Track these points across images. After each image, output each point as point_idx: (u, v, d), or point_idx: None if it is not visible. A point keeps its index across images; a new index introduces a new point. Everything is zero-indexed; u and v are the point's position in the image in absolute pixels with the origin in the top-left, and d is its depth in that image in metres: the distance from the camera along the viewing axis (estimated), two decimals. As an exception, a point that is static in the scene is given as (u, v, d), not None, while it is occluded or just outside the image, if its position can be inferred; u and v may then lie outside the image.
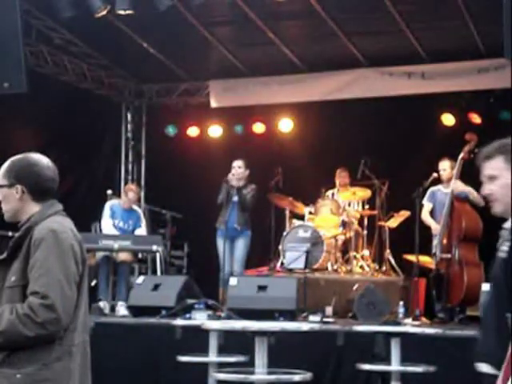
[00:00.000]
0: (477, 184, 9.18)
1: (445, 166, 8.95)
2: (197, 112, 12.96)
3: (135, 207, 10.18)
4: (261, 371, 5.78)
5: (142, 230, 9.90)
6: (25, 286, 3.05)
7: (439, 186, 9.07)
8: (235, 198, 9.44)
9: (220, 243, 9.40)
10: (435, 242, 8.86)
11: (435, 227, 8.86)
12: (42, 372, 3.01)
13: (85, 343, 3.20)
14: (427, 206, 9.08)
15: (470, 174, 8.81)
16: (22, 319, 2.98)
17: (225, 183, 9.42)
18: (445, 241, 8.74)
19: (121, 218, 9.82)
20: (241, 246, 9.39)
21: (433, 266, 8.88)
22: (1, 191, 3.24)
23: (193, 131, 13.27)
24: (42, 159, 3.29)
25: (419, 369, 6.32)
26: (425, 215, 9.04)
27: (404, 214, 10.42)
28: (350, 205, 10.98)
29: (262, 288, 8.33)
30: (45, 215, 3.18)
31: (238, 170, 9.47)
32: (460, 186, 8.74)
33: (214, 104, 12.42)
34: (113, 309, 9.27)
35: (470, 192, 8.66)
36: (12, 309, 3.01)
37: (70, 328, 3.09)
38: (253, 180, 9.66)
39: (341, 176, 11.07)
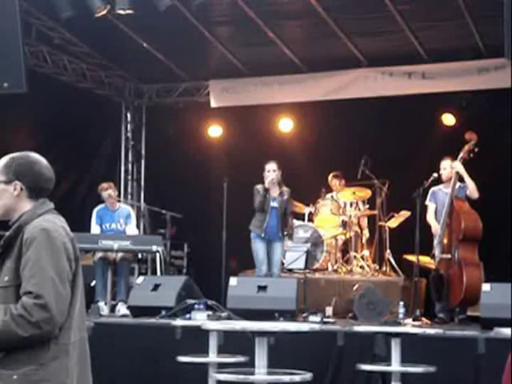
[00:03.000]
0: (475, 181, 9.17)
1: (445, 165, 8.92)
2: (197, 112, 12.95)
3: (123, 205, 10.15)
4: (261, 371, 5.77)
5: (131, 227, 9.81)
6: (18, 286, 3.03)
7: (440, 186, 9.04)
8: (274, 204, 9.26)
9: (258, 247, 9.29)
10: (436, 242, 8.84)
11: (435, 229, 8.83)
12: (38, 372, 2.99)
13: (82, 341, 3.18)
14: (431, 206, 9.04)
15: (470, 174, 8.83)
16: (16, 320, 2.96)
17: (260, 189, 9.29)
18: (445, 241, 8.72)
19: (111, 220, 9.76)
20: (280, 249, 9.30)
21: (433, 267, 8.86)
22: None
23: (193, 131, 13.25)
24: (42, 159, 3.28)
25: (419, 369, 6.31)
26: (429, 216, 9.00)
27: (404, 214, 10.41)
28: (351, 205, 10.98)
29: (262, 288, 8.31)
30: (36, 214, 3.16)
31: (273, 173, 9.27)
32: (461, 168, 8.69)
33: (213, 104, 12.41)
34: (113, 309, 9.25)
35: (468, 183, 8.68)
36: (6, 310, 2.99)
37: (65, 326, 3.07)
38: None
39: (334, 184, 11.16)
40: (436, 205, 8.99)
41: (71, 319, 3.10)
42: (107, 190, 9.83)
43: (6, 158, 3.26)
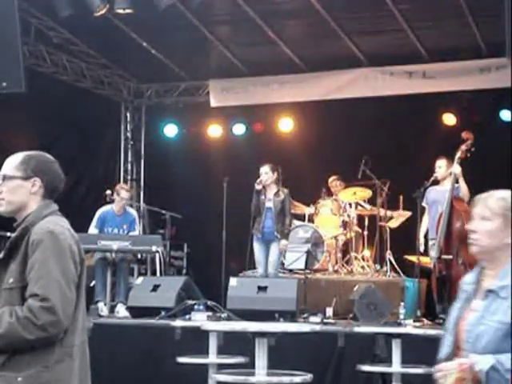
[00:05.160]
0: (475, 181, 9.17)
1: (441, 164, 8.93)
2: (196, 112, 12.93)
3: (129, 210, 9.94)
4: (261, 372, 5.75)
5: (134, 234, 9.73)
6: (23, 288, 3.02)
7: (435, 186, 9.03)
8: (269, 204, 9.30)
9: (256, 248, 9.35)
10: (431, 243, 8.82)
11: (419, 237, 8.84)
12: (43, 374, 2.98)
13: (84, 344, 3.18)
14: (426, 207, 9.07)
15: (468, 173, 8.82)
16: (22, 322, 2.94)
17: (256, 191, 9.32)
18: (444, 242, 8.67)
19: (114, 225, 9.62)
20: (276, 250, 9.26)
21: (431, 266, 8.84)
22: (11, 182, 3.18)
23: (193, 131, 13.24)
24: (55, 159, 3.27)
25: (420, 370, 6.28)
26: (423, 220, 9.00)
27: (404, 215, 10.39)
28: (350, 205, 10.95)
29: (262, 289, 8.29)
30: (41, 215, 3.14)
31: (265, 175, 9.29)
32: (459, 172, 8.69)
33: (213, 104, 12.39)
34: (112, 310, 9.22)
35: (462, 186, 8.68)
36: (12, 312, 2.97)
37: (70, 329, 3.06)
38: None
39: (334, 185, 11.13)
40: (428, 205, 9.01)
41: (76, 322, 3.09)
42: (123, 191, 9.69)
43: (20, 155, 3.23)
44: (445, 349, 3.15)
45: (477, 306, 3.00)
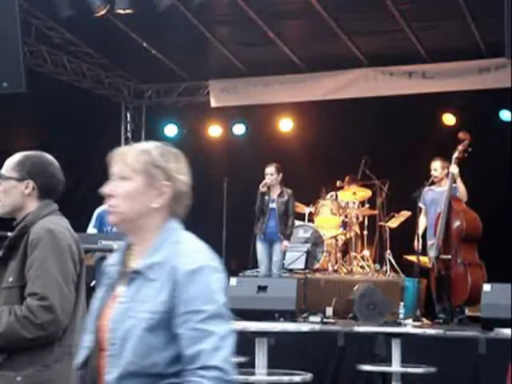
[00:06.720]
0: (475, 181, 9.16)
1: (436, 166, 8.94)
2: (196, 112, 12.93)
3: None
4: (261, 372, 5.76)
5: None
6: (23, 287, 3.03)
7: (432, 186, 9.04)
8: (272, 205, 9.34)
9: (259, 248, 9.41)
10: (429, 243, 8.83)
11: (418, 235, 8.87)
12: (42, 373, 2.99)
13: (84, 343, 3.19)
14: (422, 208, 9.08)
15: (468, 173, 8.83)
16: (20, 321, 2.95)
17: (260, 193, 9.34)
18: (443, 241, 8.68)
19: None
20: (279, 250, 9.32)
21: (430, 266, 8.86)
22: (6, 183, 3.19)
23: (193, 131, 13.24)
24: (55, 160, 3.27)
25: (420, 370, 6.31)
26: (419, 220, 9.02)
27: (404, 215, 10.40)
28: (351, 205, 10.94)
29: (262, 288, 8.28)
30: (40, 215, 3.15)
31: (271, 177, 9.31)
32: (457, 172, 8.70)
33: (213, 104, 12.39)
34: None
35: (459, 186, 8.68)
36: (10, 310, 2.98)
37: (69, 328, 3.07)
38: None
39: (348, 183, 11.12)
40: (425, 206, 9.02)
41: (75, 321, 3.10)
42: None
43: (18, 155, 3.24)
44: (83, 351, 2.41)
45: (121, 294, 2.33)
